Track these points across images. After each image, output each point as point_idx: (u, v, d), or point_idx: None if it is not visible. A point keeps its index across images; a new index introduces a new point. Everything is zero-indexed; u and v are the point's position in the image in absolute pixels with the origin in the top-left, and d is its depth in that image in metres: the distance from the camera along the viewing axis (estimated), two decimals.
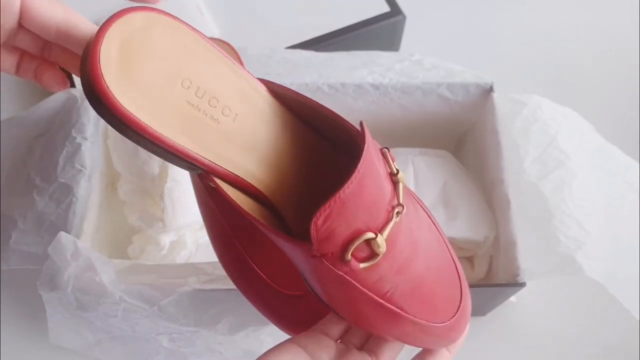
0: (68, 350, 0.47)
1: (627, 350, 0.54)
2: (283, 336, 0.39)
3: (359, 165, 0.28)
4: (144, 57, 0.28)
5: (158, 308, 0.40)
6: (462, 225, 0.49)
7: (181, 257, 0.51)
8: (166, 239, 0.51)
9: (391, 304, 0.30)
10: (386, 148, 0.32)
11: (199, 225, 0.51)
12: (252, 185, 0.32)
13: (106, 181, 0.52)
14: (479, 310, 0.53)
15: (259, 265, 0.37)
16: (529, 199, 0.46)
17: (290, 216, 0.34)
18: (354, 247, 0.28)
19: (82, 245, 0.40)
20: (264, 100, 0.33)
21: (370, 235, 0.28)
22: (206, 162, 0.30)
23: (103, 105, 0.27)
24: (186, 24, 0.30)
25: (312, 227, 0.27)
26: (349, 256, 0.28)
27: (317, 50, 0.56)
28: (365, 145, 0.28)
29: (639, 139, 0.64)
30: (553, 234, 0.44)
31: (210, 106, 0.30)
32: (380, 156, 0.31)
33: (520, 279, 0.44)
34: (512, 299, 0.54)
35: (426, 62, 0.53)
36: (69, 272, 0.39)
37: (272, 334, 0.42)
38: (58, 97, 0.51)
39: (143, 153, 0.50)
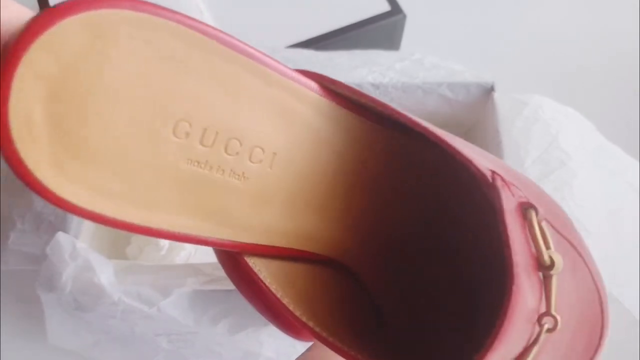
0: (67, 351, 0.47)
1: (627, 350, 0.54)
2: (283, 337, 0.39)
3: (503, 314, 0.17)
4: (95, 103, 0.16)
5: (157, 309, 0.39)
6: None
7: (180, 258, 0.51)
8: (165, 239, 0.51)
9: None
10: (532, 207, 0.20)
11: None
12: (310, 252, 0.22)
13: None
14: None
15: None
16: None
17: (373, 281, 0.22)
18: None
19: (81, 245, 0.40)
20: (316, 112, 0.20)
21: None
22: (232, 243, 0.20)
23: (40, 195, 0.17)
24: (159, 10, 0.16)
25: None
26: None
27: (317, 49, 0.56)
28: (514, 268, 0.17)
29: None
30: None
31: (229, 155, 0.19)
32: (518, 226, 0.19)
33: None
34: None
35: (426, 62, 0.53)
36: (68, 273, 0.39)
37: (272, 335, 0.42)
38: None
39: None
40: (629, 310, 0.43)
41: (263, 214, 0.20)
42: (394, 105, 0.58)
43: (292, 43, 0.59)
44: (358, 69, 0.46)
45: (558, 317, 0.20)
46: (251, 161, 0.19)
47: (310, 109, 0.20)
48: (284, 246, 0.21)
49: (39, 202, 0.44)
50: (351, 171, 0.21)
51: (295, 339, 0.38)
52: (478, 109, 0.53)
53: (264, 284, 0.20)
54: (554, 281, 0.20)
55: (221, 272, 0.40)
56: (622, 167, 0.49)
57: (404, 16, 0.63)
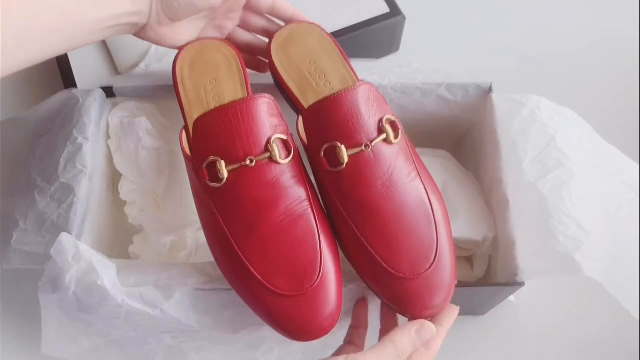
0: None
1: (627, 349, 0.54)
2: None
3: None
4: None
5: (160, 311, 0.40)
6: (461, 225, 0.49)
7: (182, 257, 0.52)
8: (167, 239, 0.51)
9: None
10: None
11: (199, 225, 0.51)
12: None
13: (107, 181, 0.52)
14: (478, 309, 0.54)
15: (254, 264, 0.38)
16: (528, 199, 0.46)
17: None
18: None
19: (84, 247, 0.40)
20: None
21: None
22: None
23: None
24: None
25: None
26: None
27: None
28: None
29: (638, 139, 0.65)
30: (552, 233, 0.44)
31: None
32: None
33: (519, 279, 0.44)
34: (511, 298, 0.54)
35: (426, 69, 0.53)
36: (71, 275, 0.39)
37: (275, 332, 0.42)
38: (59, 98, 0.51)
39: (144, 153, 0.50)
40: (628, 310, 0.43)
41: None
42: (393, 106, 0.58)
43: None
44: (357, 71, 0.47)
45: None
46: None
47: None
48: None
49: (41, 202, 0.45)
50: None
51: (295, 340, 0.37)
52: (476, 110, 0.54)
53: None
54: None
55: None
56: (620, 167, 0.49)
57: (404, 18, 0.64)
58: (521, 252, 0.45)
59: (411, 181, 0.41)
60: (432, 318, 0.38)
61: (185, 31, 0.47)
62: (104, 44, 0.57)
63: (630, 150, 0.51)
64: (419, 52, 0.70)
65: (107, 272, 0.40)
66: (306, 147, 0.43)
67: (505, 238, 0.46)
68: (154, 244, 0.51)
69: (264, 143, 0.40)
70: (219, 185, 0.39)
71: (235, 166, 0.39)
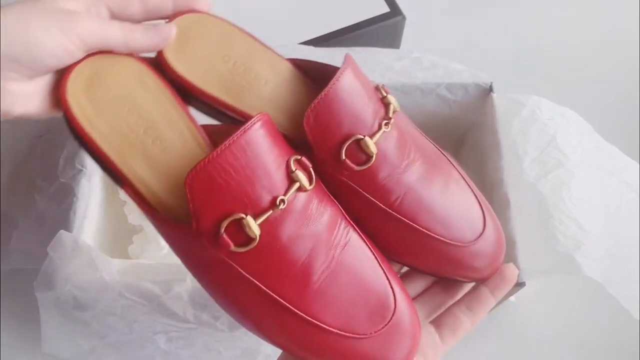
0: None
1: (627, 349, 0.54)
2: None
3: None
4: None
5: (157, 304, 0.40)
6: None
7: None
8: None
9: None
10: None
11: None
12: None
13: (107, 181, 0.52)
14: None
15: (323, 318, 0.32)
16: (528, 199, 0.46)
17: None
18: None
19: (83, 242, 0.40)
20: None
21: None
22: None
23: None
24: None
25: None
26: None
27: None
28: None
29: (638, 139, 0.64)
30: (552, 233, 0.44)
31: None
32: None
33: (520, 279, 0.44)
34: (512, 298, 0.54)
35: (425, 60, 0.53)
36: (69, 270, 0.39)
37: None
38: None
39: None
40: (628, 310, 0.43)
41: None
42: None
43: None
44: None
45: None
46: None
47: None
48: None
49: (41, 202, 0.45)
50: None
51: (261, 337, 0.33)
52: (476, 110, 0.54)
53: None
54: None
55: None
56: (620, 167, 0.49)
57: (404, 18, 0.64)
58: (521, 252, 0.44)
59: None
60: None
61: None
62: None
63: (631, 150, 0.51)
64: (419, 52, 0.70)
65: (105, 266, 0.40)
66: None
67: (506, 238, 0.46)
68: (154, 244, 0.51)
69: (284, 172, 0.31)
70: (249, 247, 0.30)
71: (265, 216, 0.30)
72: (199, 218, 0.30)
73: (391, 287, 0.32)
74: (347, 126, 0.34)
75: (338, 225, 0.33)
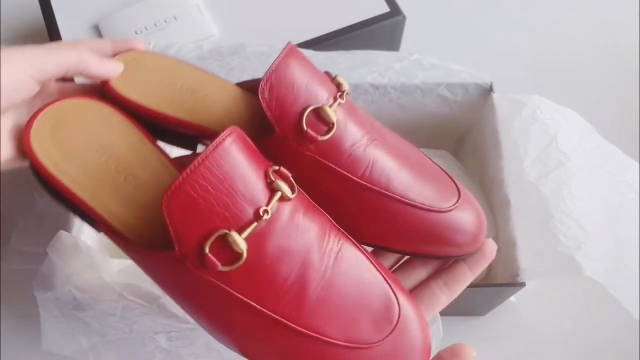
0: (64, 356, 0.46)
1: (627, 350, 0.54)
2: None
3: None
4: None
5: (157, 305, 0.40)
6: None
7: None
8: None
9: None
10: None
11: None
12: None
13: None
14: (478, 310, 0.53)
15: (326, 331, 0.30)
16: (529, 199, 0.46)
17: None
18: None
19: (83, 242, 0.40)
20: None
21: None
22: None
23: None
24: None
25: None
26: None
27: (317, 50, 0.56)
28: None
29: (639, 139, 0.64)
30: (552, 234, 0.44)
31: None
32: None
33: (520, 279, 0.44)
34: (512, 298, 0.54)
35: (425, 62, 0.53)
36: (69, 270, 0.39)
37: None
38: None
39: None
40: (629, 310, 0.43)
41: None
42: (393, 105, 0.57)
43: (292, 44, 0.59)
44: (357, 68, 0.47)
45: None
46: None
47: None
48: None
49: (40, 202, 0.45)
50: None
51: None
52: (477, 110, 0.54)
53: None
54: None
55: None
56: (621, 167, 0.49)
57: (404, 17, 0.64)
58: (522, 252, 0.44)
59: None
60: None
61: None
62: None
63: (631, 150, 0.51)
64: (419, 52, 0.69)
65: (105, 266, 0.40)
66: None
67: (506, 238, 0.46)
68: None
69: (264, 183, 0.30)
70: (237, 265, 0.28)
71: (250, 229, 0.28)
72: (181, 240, 0.28)
73: (392, 289, 0.31)
74: (302, 97, 0.34)
75: (327, 233, 0.32)
